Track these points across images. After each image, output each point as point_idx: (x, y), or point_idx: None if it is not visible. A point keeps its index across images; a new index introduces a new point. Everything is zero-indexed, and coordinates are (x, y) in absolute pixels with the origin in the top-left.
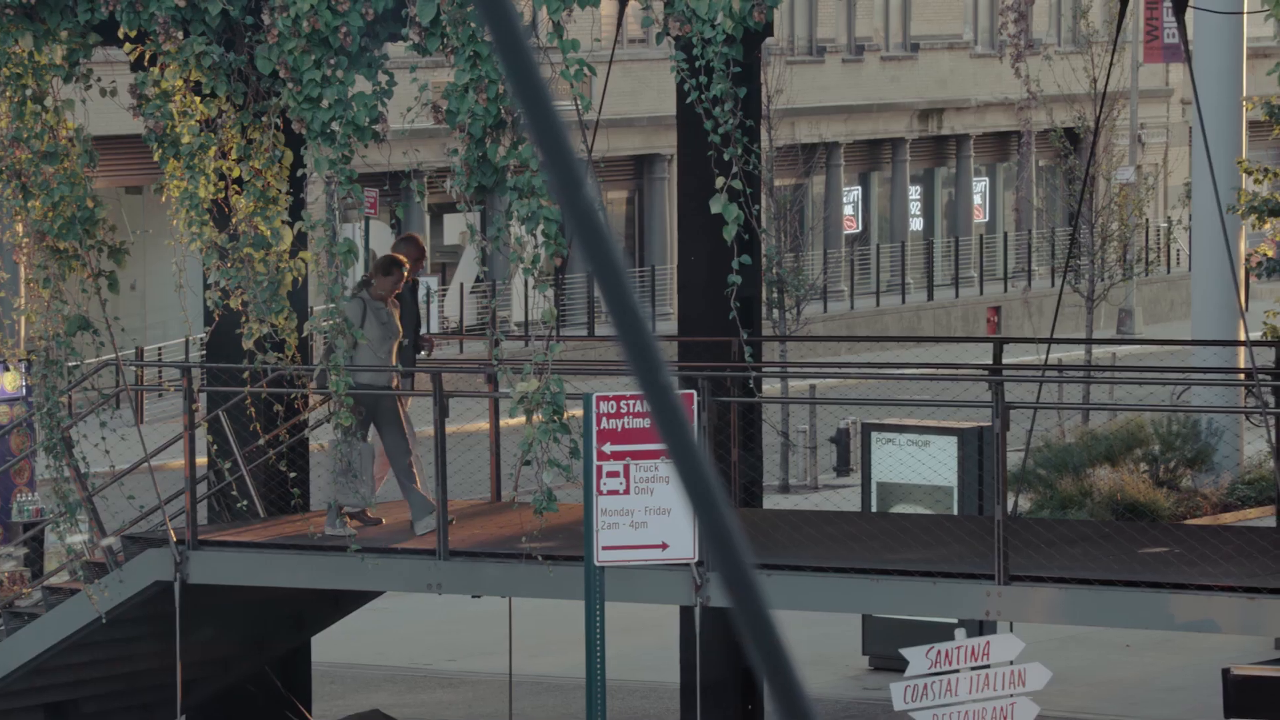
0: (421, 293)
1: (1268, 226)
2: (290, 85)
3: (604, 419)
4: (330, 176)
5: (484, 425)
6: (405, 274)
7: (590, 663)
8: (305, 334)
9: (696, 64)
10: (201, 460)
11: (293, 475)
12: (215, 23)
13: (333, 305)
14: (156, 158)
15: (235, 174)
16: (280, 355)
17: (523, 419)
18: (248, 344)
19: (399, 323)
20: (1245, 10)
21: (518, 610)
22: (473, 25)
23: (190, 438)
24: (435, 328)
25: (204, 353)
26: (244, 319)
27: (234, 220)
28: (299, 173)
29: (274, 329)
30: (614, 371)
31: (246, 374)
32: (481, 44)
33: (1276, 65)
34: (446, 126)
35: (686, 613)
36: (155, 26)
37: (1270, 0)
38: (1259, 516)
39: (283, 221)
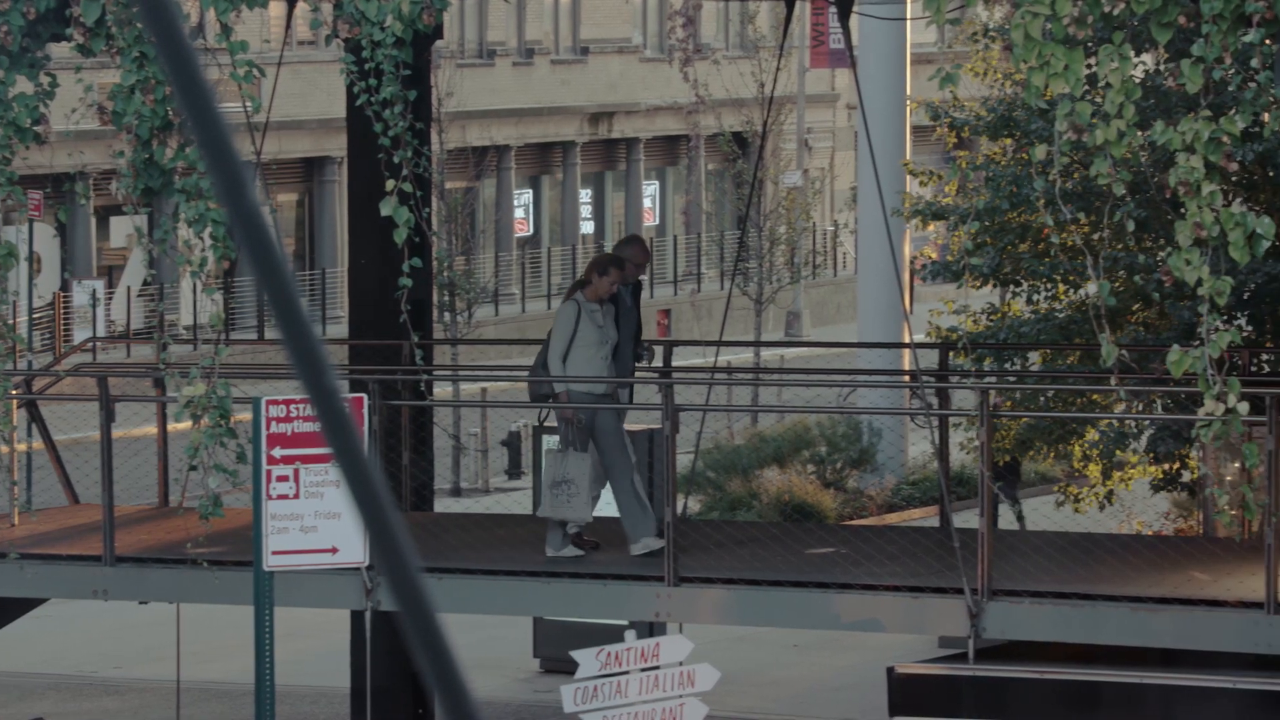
0: (86, 297)
1: (931, 229)
2: None
3: (273, 423)
4: None
5: (151, 430)
6: (624, 275)
7: (259, 668)
8: None
9: (366, 66)
10: None
11: None
12: None
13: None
14: None
15: None
16: None
17: (190, 423)
18: None
19: (616, 327)
20: (908, 17)
21: (187, 616)
22: (139, 26)
23: None
24: (102, 331)
25: None
26: None
27: None
28: None
29: None
30: (284, 375)
31: None
32: (148, 45)
33: (939, 71)
34: (113, 128)
35: (357, 617)
36: None
37: (932, 7)
38: (923, 516)
39: None
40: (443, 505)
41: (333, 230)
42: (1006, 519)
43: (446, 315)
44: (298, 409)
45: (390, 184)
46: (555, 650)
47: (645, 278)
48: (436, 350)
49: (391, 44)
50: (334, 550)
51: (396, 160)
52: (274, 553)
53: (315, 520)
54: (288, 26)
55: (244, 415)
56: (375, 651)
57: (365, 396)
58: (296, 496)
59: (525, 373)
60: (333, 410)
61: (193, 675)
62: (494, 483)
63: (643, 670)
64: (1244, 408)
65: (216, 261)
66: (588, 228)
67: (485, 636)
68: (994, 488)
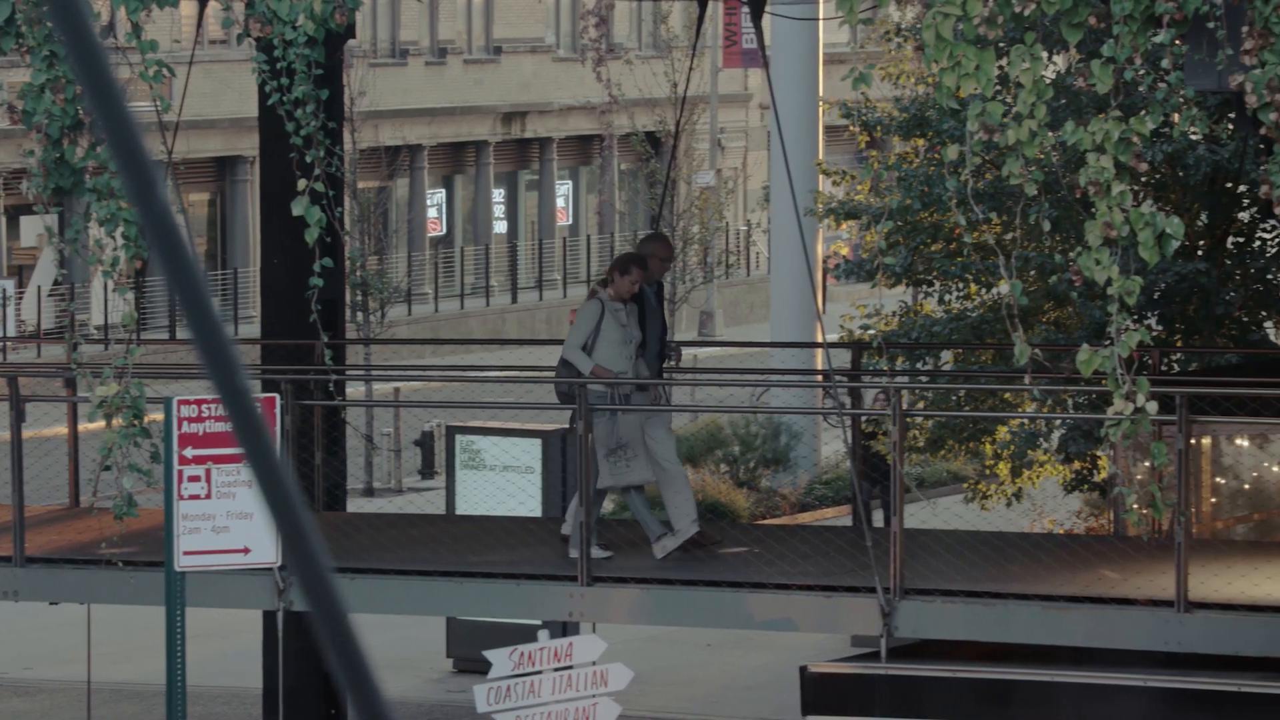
0: None
1: (844, 229)
2: None
3: (185, 423)
4: None
5: (62, 430)
6: (646, 274)
7: (171, 669)
8: None
9: (278, 66)
10: None
11: None
12: None
13: None
14: None
15: None
16: None
17: (102, 423)
18: None
19: (639, 326)
20: (821, 17)
21: (98, 617)
22: (49, 25)
23: None
24: (12, 331)
25: None
26: None
27: None
28: None
29: None
30: (195, 375)
31: None
32: (58, 43)
33: (851, 70)
34: (23, 127)
35: (269, 617)
36: None
37: (844, 7)
38: (835, 516)
39: None
40: (355, 505)
41: (245, 230)
42: (918, 518)
43: (359, 315)
44: (209, 409)
45: (302, 183)
46: (468, 650)
47: (560, 276)
48: (349, 350)
49: (303, 43)
50: (246, 550)
51: (309, 160)
52: (185, 553)
53: (227, 520)
54: (199, 25)
55: (156, 415)
56: (287, 652)
57: (278, 396)
58: (208, 497)
59: (439, 372)
60: (244, 410)
61: (104, 676)
62: (407, 483)
63: (556, 670)
64: (1153, 407)
65: (128, 261)
66: (501, 227)
67: (398, 636)
68: (908, 488)
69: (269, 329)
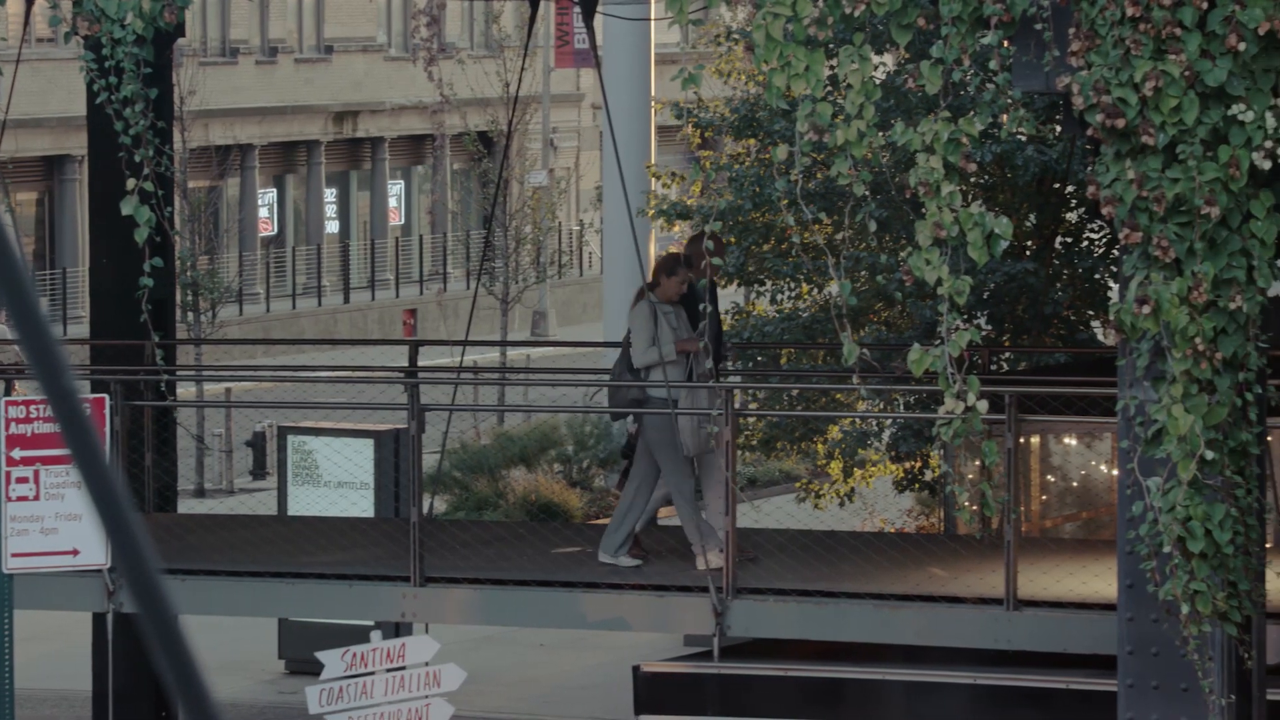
0: None
1: (676, 229)
2: None
3: (13, 424)
4: None
5: None
6: (690, 272)
7: None
8: None
9: (106, 64)
10: None
11: None
12: None
13: None
14: None
15: None
16: None
17: None
18: None
19: (690, 327)
20: (652, 17)
21: None
22: None
23: None
24: None
25: None
26: None
27: None
28: None
29: None
30: (23, 376)
31: None
32: None
33: (681, 71)
34: None
35: (99, 620)
36: None
37: (675, 8)
38: (668, 516)
39: None
40: (186, 506)
41: (73, 229)
42: (750, 517)
43: (190, 315)
44: (38, 409)
45: (131, 183)
46: (300, 651)
47: (392, 276)
48: (180, 350)
49: (132, 41)
50: (75, 552)
51: (138, 159)
52: (13, 555)
53: (56, 522)
54: (26, 23)
55: None
56: (117, 654)
57: (107, 397)
58: (37, 498)
59: (270, 372)
60: (70, 411)
61: None
62: (238, 483)
63: (388, 671)
64: (983, 406)
65: None
66: (333, 227)
67: (229, 638)
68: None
69: (98, 329)
